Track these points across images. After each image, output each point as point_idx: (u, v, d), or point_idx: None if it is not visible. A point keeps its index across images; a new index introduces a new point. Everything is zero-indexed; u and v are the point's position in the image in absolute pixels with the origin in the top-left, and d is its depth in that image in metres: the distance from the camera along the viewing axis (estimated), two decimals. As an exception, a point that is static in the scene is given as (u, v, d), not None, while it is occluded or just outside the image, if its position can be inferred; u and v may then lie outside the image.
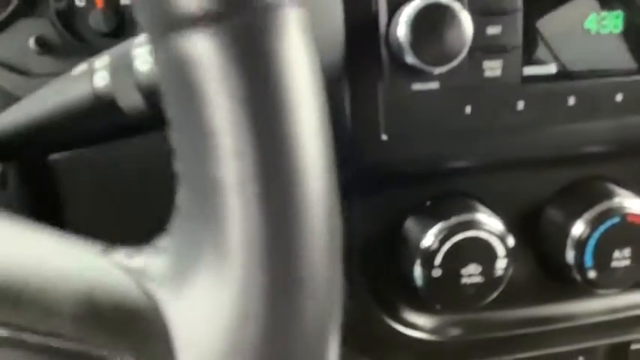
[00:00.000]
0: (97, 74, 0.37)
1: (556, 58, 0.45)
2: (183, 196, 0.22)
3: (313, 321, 0.21)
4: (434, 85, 0.44)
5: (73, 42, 0.64)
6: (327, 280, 0.21)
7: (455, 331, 0.53)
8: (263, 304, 0.21)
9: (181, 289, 0.22)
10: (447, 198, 0.50)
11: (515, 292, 0.53)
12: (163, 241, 0.23)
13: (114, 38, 0.65)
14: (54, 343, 0.21)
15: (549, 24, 0.45)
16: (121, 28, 0.64)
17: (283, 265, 0.21)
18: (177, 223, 0.23)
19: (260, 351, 0.21)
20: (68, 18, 0.64)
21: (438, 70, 0.42)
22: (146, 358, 0.21)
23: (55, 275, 0.22)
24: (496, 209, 0.50)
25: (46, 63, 0.63)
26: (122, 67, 0.36)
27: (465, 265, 0.47)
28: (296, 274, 0.21)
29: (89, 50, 0.65)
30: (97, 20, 0.63)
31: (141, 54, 0.35)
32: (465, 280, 0.48)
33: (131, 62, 0.35)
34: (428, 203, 0.50)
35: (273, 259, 0.21)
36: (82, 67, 0.38)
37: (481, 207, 0.49)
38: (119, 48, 0.38)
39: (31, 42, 0.62)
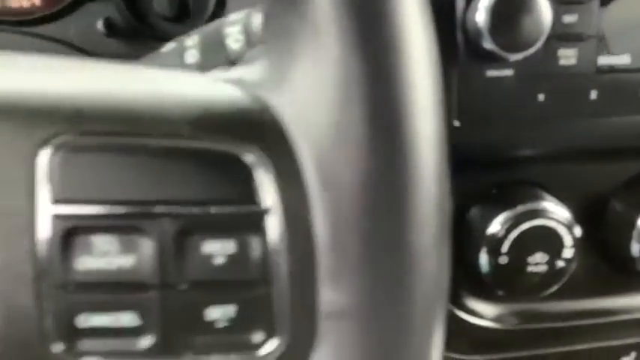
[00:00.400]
0: (187, 52, 0.37)
1: (630, 49, 0.45)
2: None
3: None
4: (508, 72, 0.44)
5: (138, 25, 0.65)
6: None
7: (515, 320, 0.53)
8: (363, 84, 0.21)
9: (283, 83, 0.23)
10: (513, 186, 0.50)
11: (575, 283, 0.53)
12: (250, 54, 0.24)
13: (177, 22, 0.66)
14: (175, 143, 0.22)
15: (624, 14, 0.45)
16: (184, 12, 0.65)
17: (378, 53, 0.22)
18: (268, 25, 0.23)
19: (364, 129, 0.21)
20: (134, 2, 0.65)
21: (513, 57, 0.42)
22: (265, 148, 0.22)
23: (165, 89, 0.23)
24: (562, 199, 0.50)
25: (112, 45, 0.65)
26: (213, 45, 0.37)
27: (531, 253, 0.47)
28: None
29: (152, 34, 0.66)
30: (161, 4, 0.64)
31: (232, 32, 0.36)
32: (530, 269, 0.48)
33: (222, 40, 0.36)
34: (494, 191, 0.50)
35: (369, 47, 0.22)
36: (171, 45, 0.39)
37: (547, 196, 0.49)
38: (209, 27, 0.39)
39: (99, 24, 0.63)
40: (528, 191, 0.49)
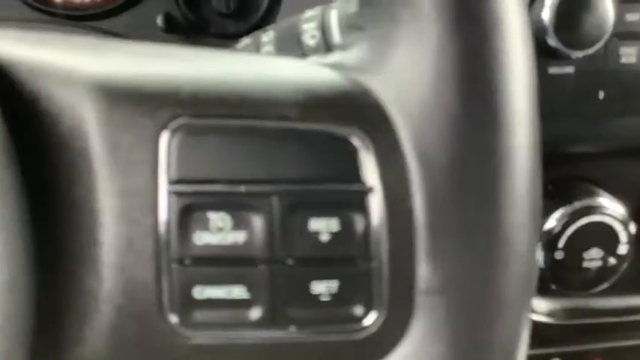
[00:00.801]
0: (263, 48, 0.39)
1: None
2: None
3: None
4: (569, 70, 0.45)
5: (195, 21, 0.67)
6: None
7: (567, 315, 0.54)
8: (461, 66, 0.23)
9: (383, 66, 0.24)
10: (569, 182, 0.50)
11: (626, 279, 0.54)
12: (348, 39, 0.26)
13: (234, 19, 0.67)
14: (284, 125, 0.23)
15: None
16: (242, 9, 0.67)
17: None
18: (365, 11, 0.25)
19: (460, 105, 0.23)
20: (192, -2, 0.66)
21: (576, 55, 0.43)
22: (368, 129, 0.23)
23: (270, 74, 0.24)
24: (617, 195, 0.50)
25: (169, 41, 0.66)
26: (288, 41, 0.38)
27: (587, 248, 0.48)
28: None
29: (210, 30, 0.68)
30: (219, 1, 0.66)
31: (308, 29, 0.37)
32: (586, 264, 0.48)
33: (298, 36, 0.37)
34: (550, 187, 0.51)
35: (468, 31, 0.23)
36: (246, 41, 0.41)
37: (603, 192, 0.50)
38: (284, 23, 0.40)
39: (159, 20, 0.65)
40: (584, 187, 0.50)
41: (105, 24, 0.66)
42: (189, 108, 0.22)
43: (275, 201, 0.22)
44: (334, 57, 0.25)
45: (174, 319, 0.22)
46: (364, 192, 0.23)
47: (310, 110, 0.23)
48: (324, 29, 0.37)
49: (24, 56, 0.23)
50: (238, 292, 0.22)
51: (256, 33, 0.40)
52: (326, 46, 0.37)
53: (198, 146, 0.22)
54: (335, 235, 0.22)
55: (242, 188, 0.22)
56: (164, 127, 0.22)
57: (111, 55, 0.24)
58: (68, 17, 0.66)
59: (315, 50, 0.36)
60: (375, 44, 0.24)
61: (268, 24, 0.66)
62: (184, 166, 0.22)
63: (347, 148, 0.23)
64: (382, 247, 0.23)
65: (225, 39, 0.67)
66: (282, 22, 0.39)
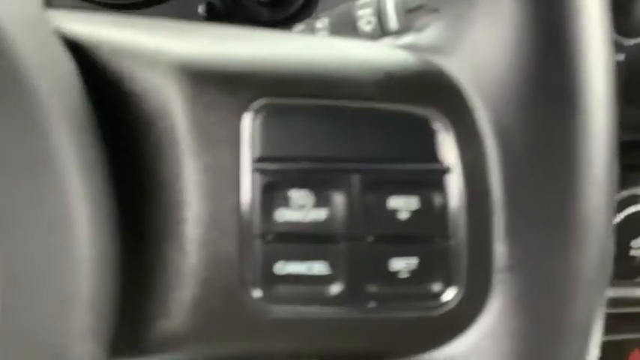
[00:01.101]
0: (317, 35, 0.39)
1: None
2: None
3: None
4: (620, 57, 0.45)
5: (235, 10, 0.67)
6: None
7: (611, 304, 0.53)
8: (538, 47, 0.23)
9: (460, 47, 0.24)
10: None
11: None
12: (420, 22, 0.26)
13: (273, 8, 0.68)
14: (363, 105, 0.23)
15: None
16: (282, -1, 0.67)
17: None
18: None
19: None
20: (232, -14, 0.67)
21: (628, 42, 0.43)
22: (445, 109, 0.23)
23: (346, 54, 0.25)
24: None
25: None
26: (343, 27, 0.38)
27: (635, 237, 0.48)
28: None
29: (249, 19, 0.69)
30: (260, -10, 0.66)
31: (364, 15, 0.37)
32: (633, 252, 0.48)
33: (354, 23, 0.38)
34: (596, 175, 0.51)
35: (546, 12, 0.23)
36: (299, 28, 0.41)
37: (650, 181, 0.50)
38: (338, 9, 0.40)
39: (201, 8, 0.65)
40: (632, 176, 0.50)
41: (147, 12, 0.67)
42: (271, 88, 0.23)
43: (355, 179, 0.23)
44: (407, 39, 0.26)
45: (257, 293, 0.22)
46: (443, 171, 0.23)
47: (389, 90, 0.23)
48: (380, 15, 0.37)
49: (106, 37, 0.23)
50: (319, 267, 0.22)
51: (309, 20, 0.41)
52: (382, 31, 0.37)
53: (281, 125, 0.23)
54: (414, 213, 0.23)
55: (323, 166, 0.23)
56: (247, 106, 0.22)
57: (192, 37, 0.24)
58: (111, 6, 0.67)
59: (371, 36, 0.37)
60: (450, 25, 0.24)
61: (305, 14, 0.67)
62: (267, 144, 0.22)
63: (426, 128, 0.23)
64: (460, 225, 0.23)
65: (262, 27, 0.67)
66: (336, 9, 0.40)
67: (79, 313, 0.20)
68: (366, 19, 0.37)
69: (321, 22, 0.39)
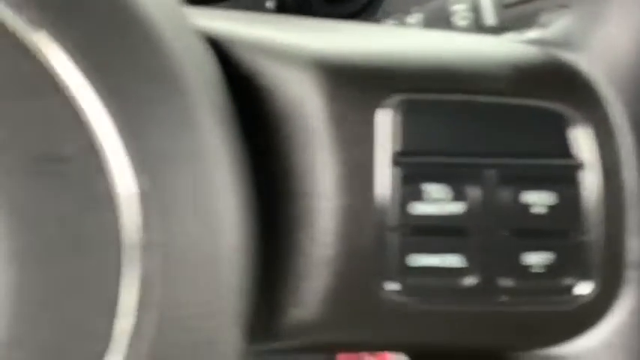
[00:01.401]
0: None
1: None
2: None
3: None
4: None
5: (303, 5, 0.68)
6: None
7: None
8: None
9: (591, 42, 0.24)
10: None
11: None
12: (546, 18, 0.26)
13: (339, 4, 0.68)
14: (496, 99, 0.24)
15: None
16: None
17: None
18: None
19: None
20: (300, -19, 0.67)
21: None
22: (578, 104, 0.24)
23: (472, 49, 0.25)
24: None
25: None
26: (438, 23, 0.38)
27: None
28: None
29: (313, 15, 0.69)
30: (328, -15, 0.67)
31: (459, 10, 0.37)
32: None
33: (448, 18, 0.38)
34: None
35: None
36: (390, 23, 0.41)
37: None
38: (432, 5, 0.40)
39: (270, 3, 0.66)
40: None
41: (217, 7, 0.68)
42: (407, 83, 0.23)
43: (491, 173, 0.23)
44: (532, 34, 0.26)
45: (390, 285, 0.23)
46: (577, 166, 0.23)
47: (520, 86, 0.24)
48: (476, 11, 0.37)
49: (241, 33, 0.24)
50: (453, 260, 0.23)
51: (399, 15, 0.41)
52: (477, 27, 0.37)
53: (417, 120, 0.23)
54: (548, 208, 0.23)
55: (459, 160, 0.23)
56: (384, 102, 0.23)
57: (326, 33, 0.25)
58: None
59: (466, 32, 0.37)
60: (581, 20, 0.24)
61: (370, 11, 0.67)
62: (406, 139, 0.23)
63: (559, 123, 0.23)
64: (595, 220, 0.23)
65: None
66: (428, 5, 0.40)
67: (229, 298, 0.21)
68: (461, 14, 0.37)
69: (414, 18, 0.40)
